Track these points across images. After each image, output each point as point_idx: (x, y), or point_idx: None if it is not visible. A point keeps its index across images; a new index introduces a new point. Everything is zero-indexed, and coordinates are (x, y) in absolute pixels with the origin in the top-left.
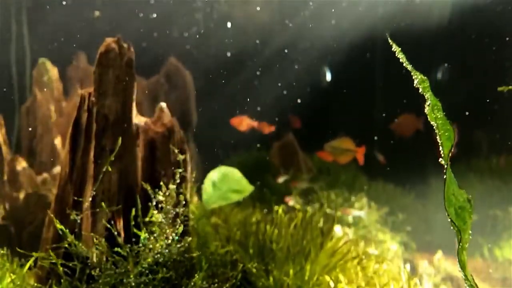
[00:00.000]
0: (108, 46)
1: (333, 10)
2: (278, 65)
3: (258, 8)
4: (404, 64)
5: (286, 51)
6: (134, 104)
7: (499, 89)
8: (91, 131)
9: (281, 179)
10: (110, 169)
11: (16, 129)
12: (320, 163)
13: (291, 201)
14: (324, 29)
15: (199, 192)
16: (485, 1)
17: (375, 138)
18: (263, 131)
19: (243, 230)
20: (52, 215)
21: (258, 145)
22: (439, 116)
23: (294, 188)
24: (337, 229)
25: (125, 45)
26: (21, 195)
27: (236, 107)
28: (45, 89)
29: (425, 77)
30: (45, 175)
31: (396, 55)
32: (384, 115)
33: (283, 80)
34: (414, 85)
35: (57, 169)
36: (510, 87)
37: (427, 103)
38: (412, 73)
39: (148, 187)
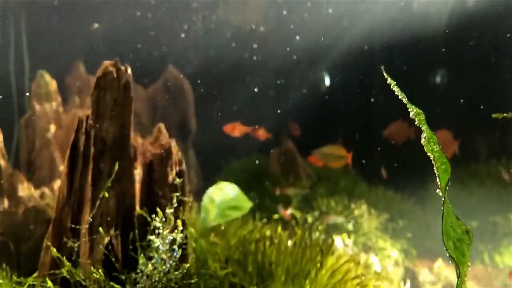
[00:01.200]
0: (106, 69)
1: (331, 12)
2: (277, 70)
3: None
4: (400, 97)
5: (287, 49)
6: (132, 127)
7: (494, 115)
8: (89, 154)
9: (278, 192)
10: (107, 194)
11: (15, 142)
12: (320, 169)
13: (289, 210)
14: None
15: (199, 204)
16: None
17: (375, 143)
18: (258, 137)
19: (242, 249)
20: (49, 243)
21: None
22: (435, 149)
23: (295, 195)
24: (337, 240)
25: (122, 68)
26: (20, 210)
27: (234, 114)
28: (44, 102)
29: (421, 110)
30: (44, 189)
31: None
32: (384, 121)
33: (283, 86)
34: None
35: (56, 183)
36: (505, 114)
37: (423, 135)
38: (407, 106)
39: (145, 213)
